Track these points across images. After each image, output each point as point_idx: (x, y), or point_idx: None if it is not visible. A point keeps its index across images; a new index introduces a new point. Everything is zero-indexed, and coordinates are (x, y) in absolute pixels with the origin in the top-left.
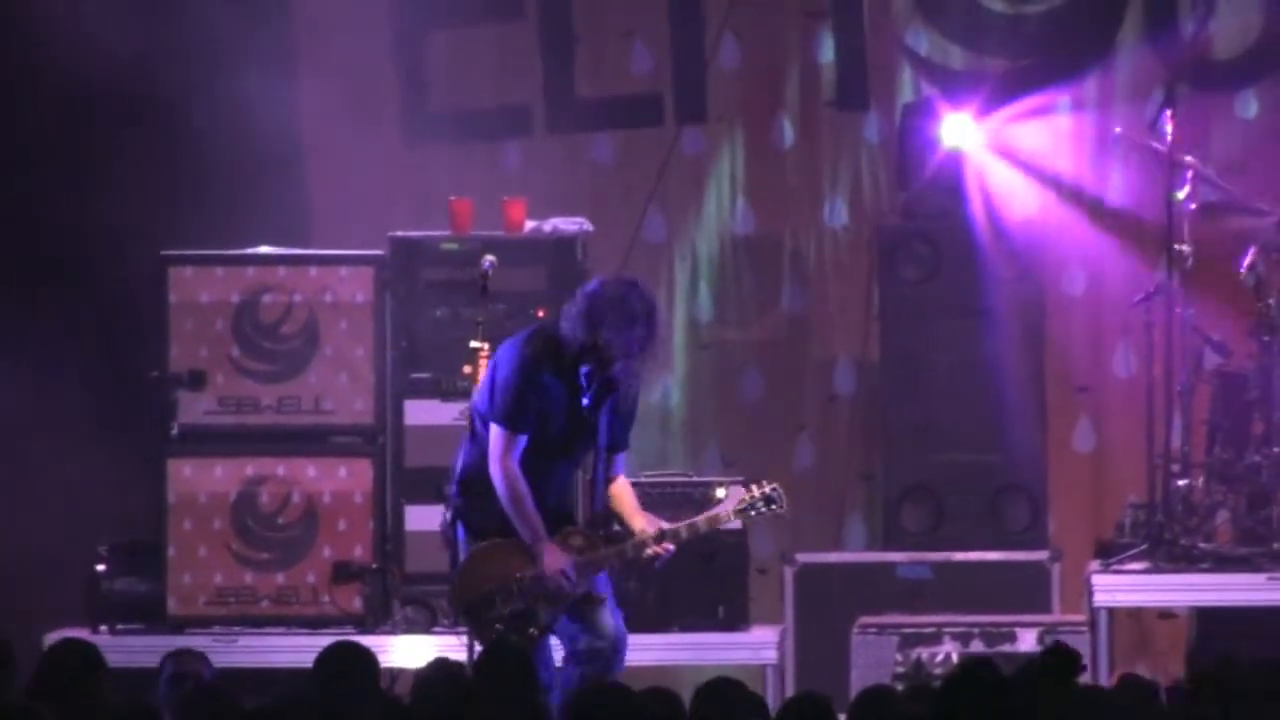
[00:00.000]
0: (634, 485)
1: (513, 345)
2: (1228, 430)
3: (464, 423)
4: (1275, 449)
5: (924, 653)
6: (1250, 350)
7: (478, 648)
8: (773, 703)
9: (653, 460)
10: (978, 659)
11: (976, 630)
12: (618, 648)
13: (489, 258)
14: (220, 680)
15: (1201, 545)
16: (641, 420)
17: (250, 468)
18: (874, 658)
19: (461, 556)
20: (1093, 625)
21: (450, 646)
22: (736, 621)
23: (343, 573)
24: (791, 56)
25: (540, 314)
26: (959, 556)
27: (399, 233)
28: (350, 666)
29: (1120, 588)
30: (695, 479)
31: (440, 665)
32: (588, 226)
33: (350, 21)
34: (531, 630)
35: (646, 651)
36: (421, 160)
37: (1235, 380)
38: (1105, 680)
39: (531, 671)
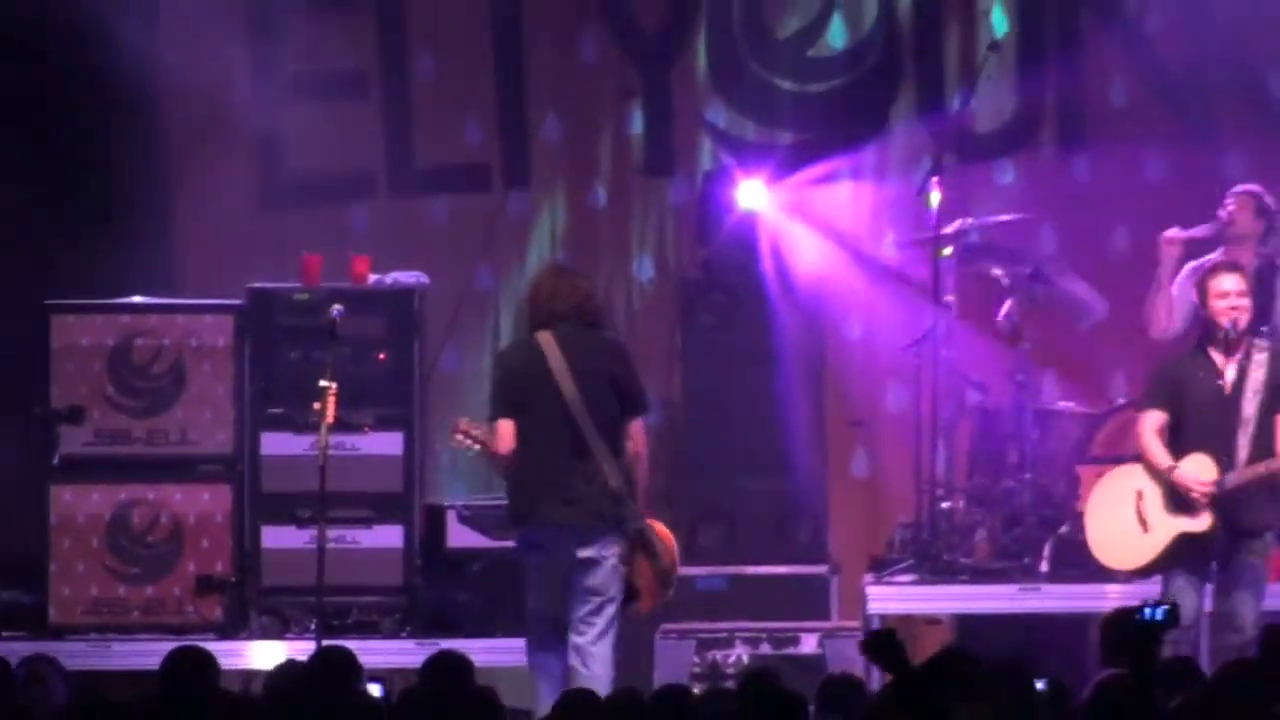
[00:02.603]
0: (464, 509)
1: None
2: (986, 459)
3: (314, 453)
4: (1027, 475)
5: (718, 655)
6: (1006, 389)
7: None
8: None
9: (480, 486)
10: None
11: (765, 635)
12: None
13: (337, 307)
14: (75, 680)
15: (962, 560)
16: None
17: (123, 493)
18: (675, 659)
19: None
20: (865, 630)
21: (299, 650)
22: None
23: (205, 585)
24: (605, 130)
25: (381, 358)
26: (750, 570)
27: (256, 284)
28: (191, 668)
29: (891, 597)
30: None
31: (288, 666)
32: (424, 279)
33: (213, 94)
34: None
35: (477, 655)
36: (277, 220)
37: (992, 415)
38: (878, 681)
39: (359, 671)
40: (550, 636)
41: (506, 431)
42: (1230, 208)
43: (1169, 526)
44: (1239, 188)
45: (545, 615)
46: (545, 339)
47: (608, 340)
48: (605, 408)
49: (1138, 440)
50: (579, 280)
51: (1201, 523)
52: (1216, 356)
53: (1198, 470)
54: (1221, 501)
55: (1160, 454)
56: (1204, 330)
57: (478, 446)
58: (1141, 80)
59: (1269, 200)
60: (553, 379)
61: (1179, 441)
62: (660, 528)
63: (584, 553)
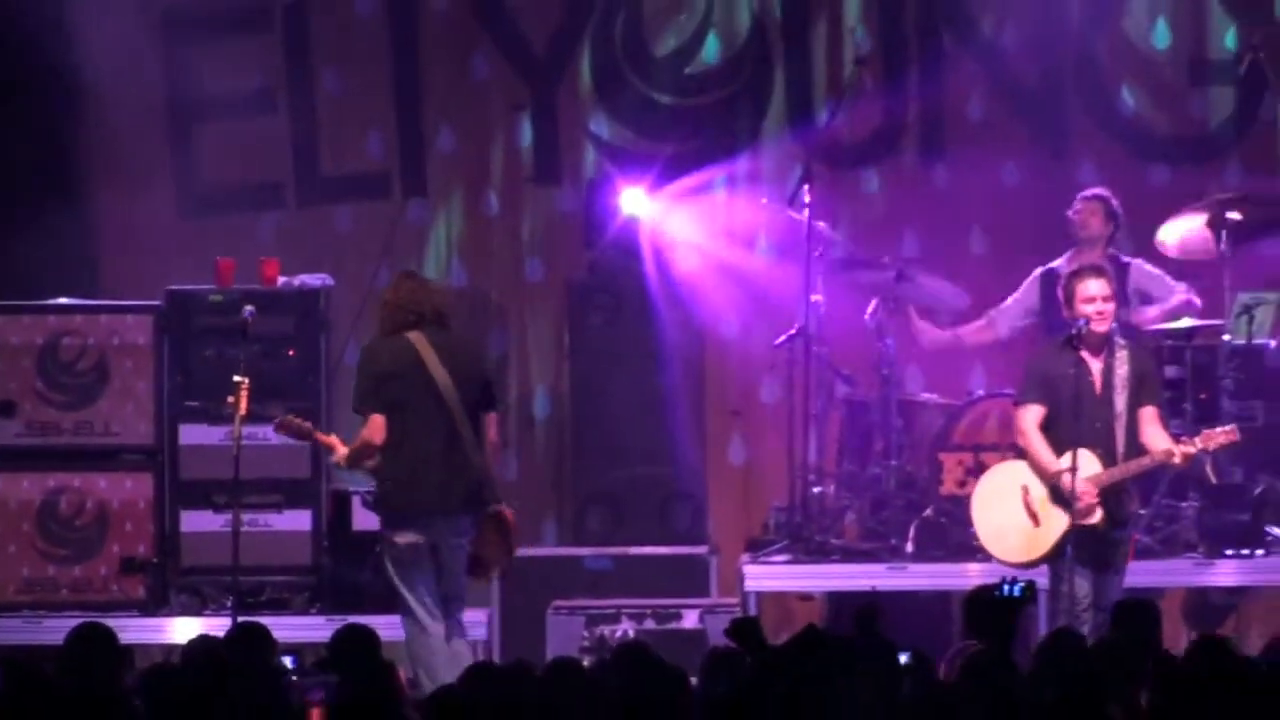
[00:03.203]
0: (367, 495)
1: None
2: (854, 447)
3: (229, 443)
4: (892, 462)
5: (606, 630)
6: (872, 382)
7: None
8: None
9: None
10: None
11: (649, 611)
12: None
13: (248, 307)
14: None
15: (833, 541)
16: None
17: (52, 480)
18: (565, 634)
19: None
20: (744, 607)
21: (214, 626)
22: None
23: (129, 566)
24: (496, 141)
25: (291, 354)
26: (634, 551)
27: (174, 287)
28: (96, 643)
29: (766, 576)
30: None
31: (202, 640)
32: (329, 281)
33: (133, 111)
34: None
35: (381, 630)
36: (193, 227)
37: (860, 407)
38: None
39: (273, 644)
40: (427, 616)
41: (379, 424)
42: (1080, 211)
43: (1060, 520)
44: (1088, 192)
45: (423, 596)
46: (417, 339)
47: (472, 341)
48: (473, 403)
49: (1020, 436)
50: (433, 287)
51: (1094, 516)
52: (1085, 355)
53: (1084, 466)
54: (1104, 494)
55: (1047, 456)
56: (1074, 330)
57: (302, 439)
58: (997, 94)
59: (1115, 204)
60: (429, 376)
61: (1055, 436)
62: (508, 509)
63: (455, 536)
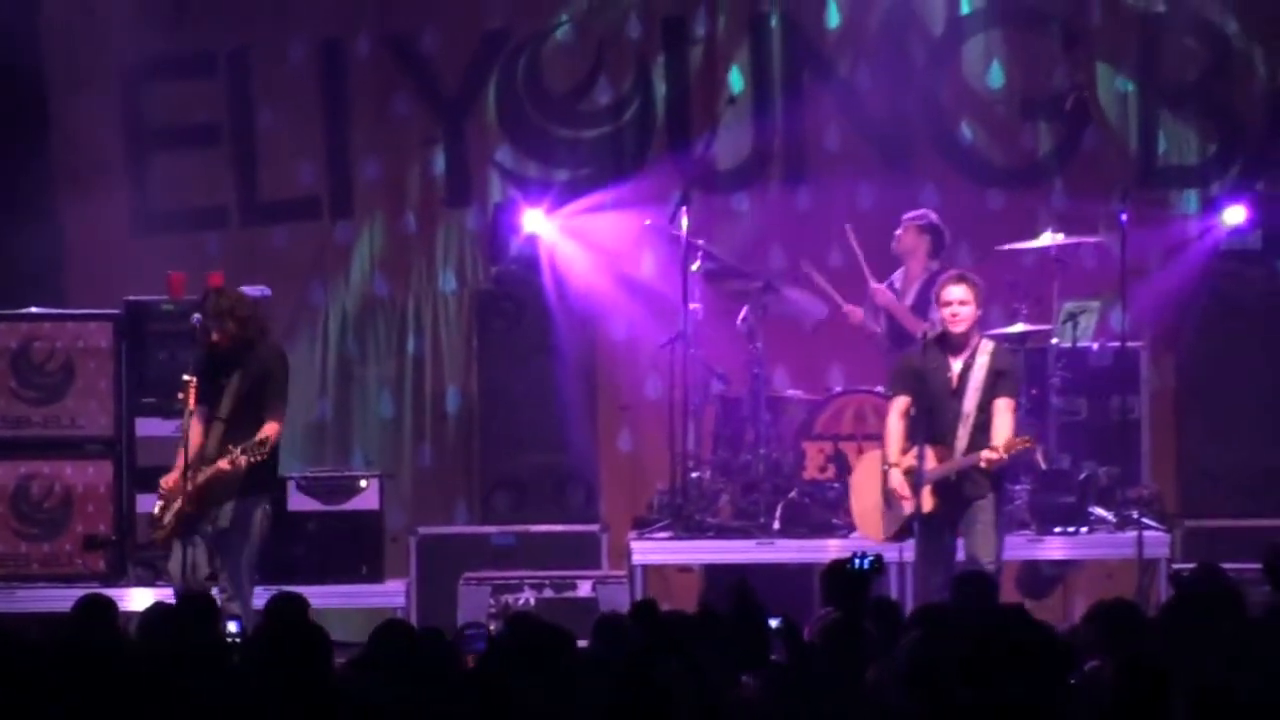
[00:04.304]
0: (301, 479)
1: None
2: (728, 438)
3: (179, 434)
4: (761, 450)
5: (510, 598)
6: (744, 379)
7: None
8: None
9: (313, 460)
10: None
11: (548, 582)
12: None
13: (196, 315)
14: None
15: (709, 520)
16: (307, 432)
17: (24, 467)
18: (474, 602)
19: None
20: (631, 578)
21: (167, 595)
22: (375, 576)
23: (91, 543)
24: (413, 169)
25: None
26: (535, 529)
27: (131, 297)
28: (99, 610)
29: (651, 550)
30: (343, 472)
31: (157, 608)
32: (267, 292)
33: (95, 143)
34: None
35: (312, 598)
36: (147, 245)
37: (733, 402)
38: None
39: (218, 611)
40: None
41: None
42: (899, 231)
43: (906, 504)
44: (908, 214)
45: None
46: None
47: None
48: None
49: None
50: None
51: (926, 503)
52: (947, 354)
53: (928, 459)
54: (943, 482)
55: (890, 447)
56: (936, 330)
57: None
58: (852, 126)
59: (931, 221)
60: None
61: (918, 428)
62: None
63: None
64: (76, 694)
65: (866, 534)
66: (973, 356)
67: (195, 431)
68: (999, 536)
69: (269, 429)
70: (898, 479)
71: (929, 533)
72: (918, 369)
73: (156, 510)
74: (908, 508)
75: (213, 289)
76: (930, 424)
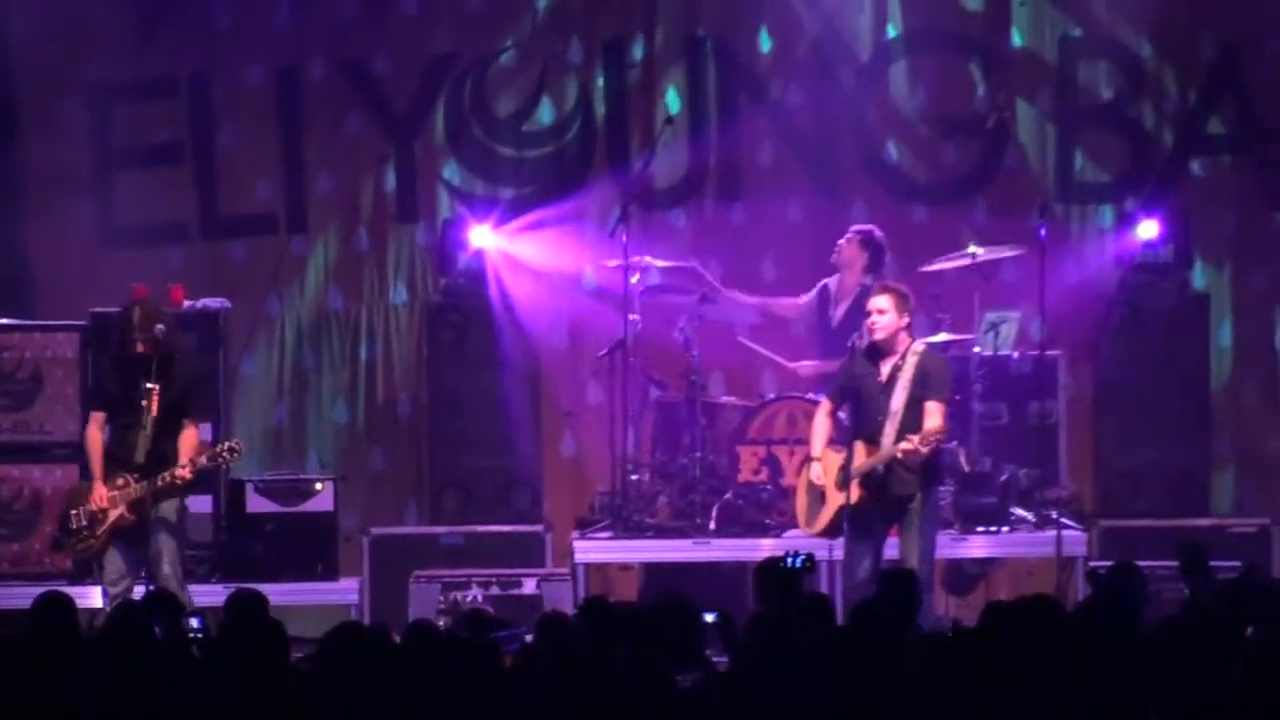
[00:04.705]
0: (259, 482)
1: None
2: (665, 442)
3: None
4: (697, 454)
5: (458, 595)
6: (681, 386)
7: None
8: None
9: (270, 463)
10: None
11: (495, 580)
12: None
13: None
14: None
15: (648, 520)
16: (264, 437)
17: None
18: (424, 599)
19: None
20: (574, 576)
21: (133, 594)
22: (330, 574)
23: (59, 543)
24: (365, 186)
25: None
26: (482, 529)
27: (97, 309)
28: (57, 607)
29: (592, 549)
30: (299, 475)
31: (124, 605)
32: (227, 304)
33: (62, 160)
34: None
35: (271, 595)
36: (112, 259)
37: (671, 407)
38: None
39: (181, 607)
40: None
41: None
42: (843, 240)
43: (835, 499)
44: (857, 226)
45: None
46: None
47: None
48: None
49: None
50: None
51: (852, 496)
52: (875, 360)
53: (856, 455)
54: (869, 479)
55: (814, 443)
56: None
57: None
58: (784, 145)
59: (874, 238)
60: None
61: (850, 427)
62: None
63: None
64: (36, 686)
65: (801, 529)
66: (903, 358)
67: (96, 440)
68: (925, 540)
69: (193, 434)
70: (817, 471)
71: (856, 525)
72: (853, 374)
73: (85, 522)
74: (830, 497)
75: (136, 300)
76: (860, 422)
